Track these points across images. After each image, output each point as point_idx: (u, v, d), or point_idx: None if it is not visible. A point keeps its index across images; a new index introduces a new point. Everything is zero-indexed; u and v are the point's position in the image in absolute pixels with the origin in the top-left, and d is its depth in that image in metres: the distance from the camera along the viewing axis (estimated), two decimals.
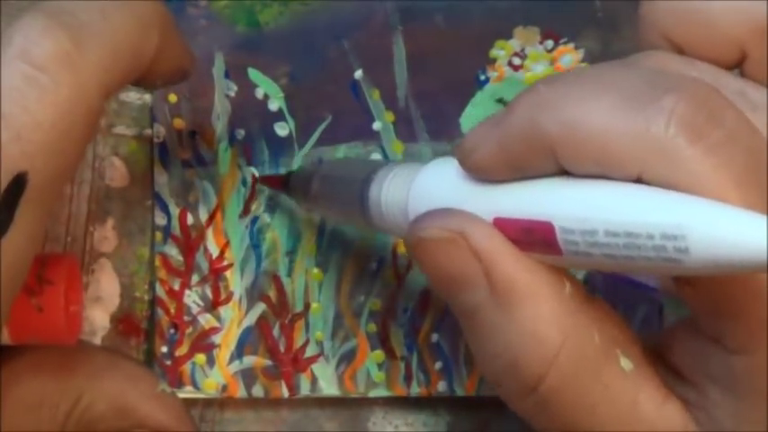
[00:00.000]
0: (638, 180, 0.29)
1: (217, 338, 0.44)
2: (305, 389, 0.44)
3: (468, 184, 0.33)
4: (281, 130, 0.44)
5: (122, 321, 0.44)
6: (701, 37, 0.33)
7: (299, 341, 0.44)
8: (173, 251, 0.44)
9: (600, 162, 0.30)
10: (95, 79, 0.33)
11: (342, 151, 0.44)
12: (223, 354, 0.44)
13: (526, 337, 0.31)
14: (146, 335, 0.44)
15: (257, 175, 0.44)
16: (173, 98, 0.44)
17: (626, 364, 0.32)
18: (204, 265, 0.44)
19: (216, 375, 0.44)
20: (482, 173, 0.32)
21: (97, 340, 0.43)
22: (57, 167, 0.32)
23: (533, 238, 0.31)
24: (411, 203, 0.35)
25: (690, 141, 0.29)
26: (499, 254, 0.32)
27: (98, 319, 0.43)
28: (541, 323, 0.31)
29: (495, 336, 0.32)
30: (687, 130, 0.29)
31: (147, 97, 0.44)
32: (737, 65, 0.33)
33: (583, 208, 0.30)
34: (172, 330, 0.44)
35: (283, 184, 0.43)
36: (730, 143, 0.29)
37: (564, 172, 0.31)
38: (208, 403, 0.44)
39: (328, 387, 0.44)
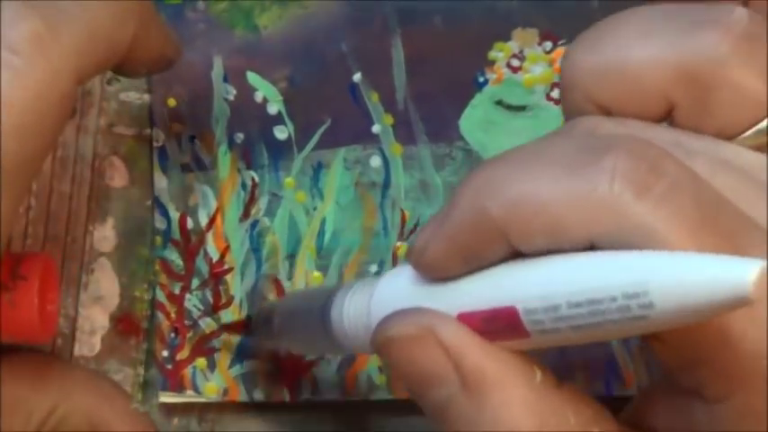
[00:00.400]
0: (592, 246, 0.29)
1: (217, 342, 0.44)
2: (306, 393, 0.43)
3: (424, 285, 0.33)
4: (281, 133, 0.44)
5: (122, 321, 0.43)
6: (625, 95, 0.32)
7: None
8: (173, 255, 0.44)
9: (550, 235, 0.29)
10: (69, 64, 0.33)
11: (341, 154, 0.44)
12: (224, 358, 0.43)
13: (502, 427, 0.31)
14: (146, 334, 0.43)
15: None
16: (172, 102, 0.44)
17: None
18: (204, 270, 0.44)
19: (217, 379, 0.43)
20: (437, 272, 0.32)
21: (97, 340, 0.43)
22: (28, 151, 0.32)
23: (499, 325, 0.31)
24: (373, 317, 0.34)
25: (637, 195, 0.28)
26: (468, 346, 0.31)
27: (98, 319, 0.43)
28: (515, 412, 0.31)
29: (469, 430, 0.31)
30: (632, 185, 0.28)
31: (147, 97, 0.44)
32: (667, 116, 0.33)
33: (541, 285, 0.30)
34: (172, 335, 0.43)
35: (245, 327, 0.42)
36: (676, 191, 0.29)
37: (518, 254, 0.30)
38: (207, 402, 0.44)
39: (329, 391, 0.43)
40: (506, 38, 0.44)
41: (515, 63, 0.44)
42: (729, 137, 0.32)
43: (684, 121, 0.32)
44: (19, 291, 0.37)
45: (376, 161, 0.44)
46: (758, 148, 0.32)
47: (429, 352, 0.32)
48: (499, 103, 0.44)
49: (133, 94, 0.44)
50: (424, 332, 0.32)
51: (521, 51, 0.44)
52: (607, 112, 0.33)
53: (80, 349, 0.43)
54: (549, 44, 0.44)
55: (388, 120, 0.44)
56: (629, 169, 0.29)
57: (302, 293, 0.42)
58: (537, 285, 0.30)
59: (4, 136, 0.32)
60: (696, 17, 0.32)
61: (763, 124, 0.32)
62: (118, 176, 0.44)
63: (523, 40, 0.44)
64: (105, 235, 0.43)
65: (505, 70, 0.44)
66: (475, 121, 0.44)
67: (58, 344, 0.42)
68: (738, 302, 0.26)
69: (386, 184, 0.44)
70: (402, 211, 0.44)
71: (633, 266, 0.28)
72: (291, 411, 0.44)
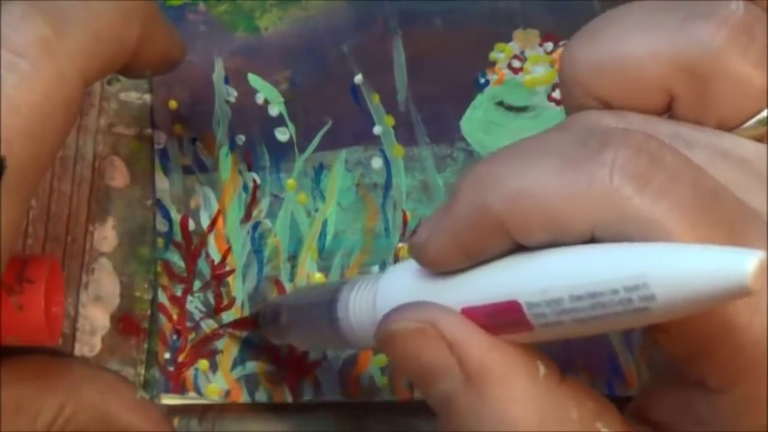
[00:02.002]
0: (592, 239, 0.29)
1: (219, 344, 0.43)
2: (308, 394, 0.43)
3: (428, 280, 0.32)
4: (282, 135, 0.44)
5: (122, 321, 0.43)
6: (624, 89, 0.32)
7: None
8: (174, 257, 0.43)
9: (551, 229, 0.29)
10: (75, 66, 0.32)
11: (342, 155, 0.44)
12: (226, 359, 0.43)
13: (504, 420, 0.31)
14: (146, 334, 0.43)
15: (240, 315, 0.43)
16: (173, 104, 0.43)
17: None
18: (206, 271, 0.43)
19: (219, 381, 0.43)
20: (439, 266, 0.32)
21: (97, 340, 0.42)
22: (35, 153, 0.32)
23: (503, 319, 0.30)
24: (379, 311, 0.34)
25: (636, 189, 0.28)
26: (470, 341, 0.31)
27: (98, 319, 0.42)
28: (517, 406, 0.31)
29: (473, 423, 0.31)
30: (631, 179, 0.28)
31: (148, 97, 0.43)
32: (667, 109, 0.32)
33: (543, 279, 0.29)
34: (174, 336, 0.43)
35: (253, 323, 0.42)
36: (675, 183, 0.28)
37: (520, 248, 0.30)
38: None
39: (332, 392, 0.43)
40: (507, 39, 0.44)
41: (516, 64, 0.44)
42: (730, 128, 0.32)
43: (685, 113, 0.32)
44: (26, 294, 0.37)
45: (377, 162, 0.44)
46: (759, 139, 0.32)
47: (432, 346, 0.31)
48: (500, 104, 0.44)
49: (133, 94, 0.43)
50: (426, 326, 0.31)
51: (522, 52, 0.44)
52: (607, 105, 0.33)
53: (80, 349, 0.42)
54: (550, 45, 0.44)
55: (390, 121, 0.44)
56: (628, 162, 0.28)
57: (309, 289, 0.42)
58: (539, 279, 0.29)
59: (11, 139, 0.31)
60: (692, 10, 0.32)
61: (763, 114, 0.31)
62: (118, 176, 0.43)
63: (524, 40, 0.44)
64: (106, 235, 0.43)
65: (507, 71, 0.44)
66: (476, 122, 0.44)
67: (58, 344, 0.42)
68: (738, 293, 0.26)
69: (387, 186, 0.44)
70: (404, 211, 0.44)
71: (633, 259, 0.28)
72: (292, 411, 0.43)
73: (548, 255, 0.30)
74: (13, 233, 0.33)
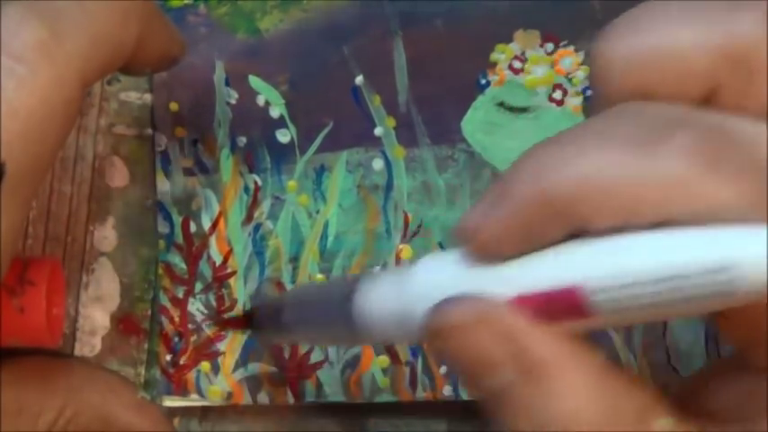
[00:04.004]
0: (663, 224, 0.28)
1: (221, 346, 0.42)
2: (310, 395, 0.42)
3: (473, 270, 0.31)
4: (283, 136, 0.43)
5: (122, 321, 0.42)
6: (670, 79, 0.31)
7: (303, 347, 0.43)
8: (176, 259, 0.43)
9: (621, 215, 0.28)
10: (73, 68, 0.32)
11: (344, 157, 0.43)
12: (228, 361, 0.42)
13: (565, 413, 0.30)
14: (146, 334, 0.42)
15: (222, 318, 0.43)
16: (174, 106, 0.43)
17: (661, 425, 0.30)
18: (208, 273, 0.43)
19: (221, 382, 0.42)
20: (493, 252, 0.31)
21: (97, 340, 0.42)
22: (34, 156, 0.32)
23: (559, 306, 0.30)
24: (410, 306, 0.33)
25: (711, 172, 0.27)
26: (526, 333, 0.30)
27: (98, 319, 0.42)
28: (575, 397, 0.30)
29: (529, 415, 0.30)
30: (705, 163, 0.27)
31: (148, 97, 0.43)
32: (707, 99, 0.31)
33: (618, 263, 0.29)
34: (176, 338, 0.42)
35: (247, 322, 0.41)
36: (750, 166, 0.28)
37: (576, 235, 0.29)
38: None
39: (333, 393, 0.42)
40: (508, 39, 0.44)
41: (517, 65, 0.43)
42: None
43: (726, 102, 0.31)
44: (27, 296, 0.37)
45: (378, 164, 0.43)
46: None
47: (487, 339, 0.30)
48: (501, 104, 0.43)
49: (134, 94, 0.43)
50: (480, 319, 0.30)
51: (522, 53, 0.44)
52: (645, 97, 0.31)
53: (81, 349, 0.42)
54: (550, 45, 0.43)
55: (391, 122, 0.43)
56: (701, 147, 0.28)
57: (313, 287, 0.40)
58: (612, 265, 0.29)
59: (11, 143, 0.31)
60: None
61: None
62: (118, 176, 0.43)
63: (525, 41, 0.44)
64: (106, 235, 0.42)
65: (507, 72, 0.44)
66: (477, 122, 0.43)
67: (59, 345, 0.41)
68: None
69: (388, 187, 0.43)
70: (405, 213, 0.43)
71: (717, 242, 0.27)
72: (293, 413, 0.43)
73: (621, 240, 0.29)
74: (14, 236, 0.32)
